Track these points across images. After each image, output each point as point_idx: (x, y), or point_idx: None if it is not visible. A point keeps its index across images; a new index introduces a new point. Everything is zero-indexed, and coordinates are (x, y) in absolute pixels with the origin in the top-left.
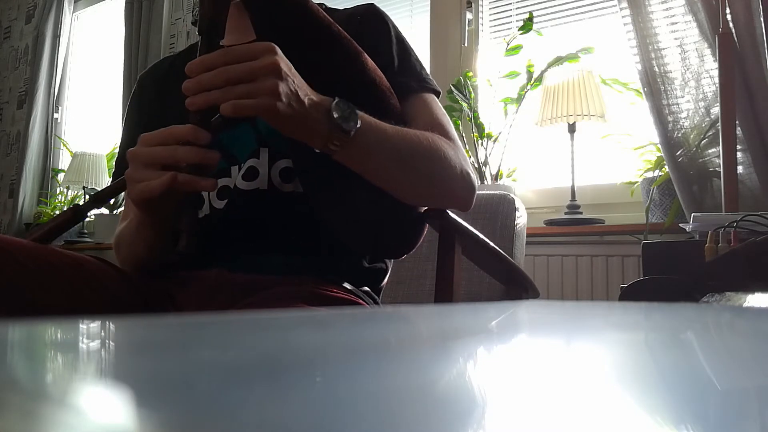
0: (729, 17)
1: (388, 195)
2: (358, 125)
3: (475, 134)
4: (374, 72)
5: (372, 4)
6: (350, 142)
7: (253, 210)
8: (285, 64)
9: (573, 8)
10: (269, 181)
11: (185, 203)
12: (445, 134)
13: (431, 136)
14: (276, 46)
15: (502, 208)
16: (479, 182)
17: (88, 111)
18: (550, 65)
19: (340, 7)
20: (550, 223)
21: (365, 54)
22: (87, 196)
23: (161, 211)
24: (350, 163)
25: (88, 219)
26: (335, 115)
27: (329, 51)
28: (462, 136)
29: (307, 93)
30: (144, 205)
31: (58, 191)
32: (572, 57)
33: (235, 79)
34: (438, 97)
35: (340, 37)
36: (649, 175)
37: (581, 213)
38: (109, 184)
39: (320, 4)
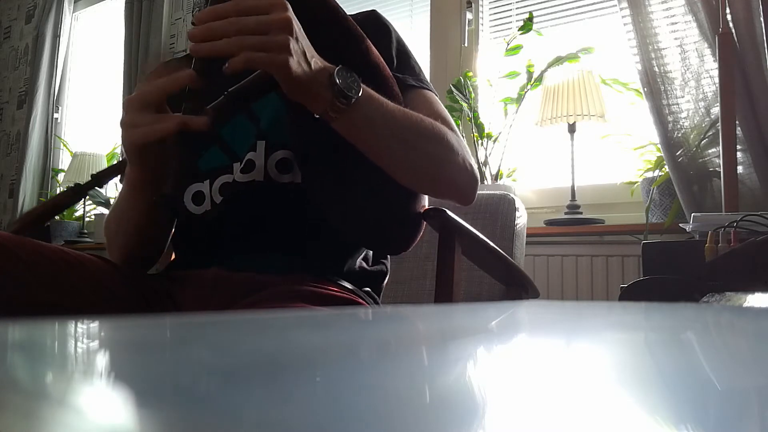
0: (729, 17)
1: (388, 187)
2: (360, 94)
3: (475, 134)
4: (378, 58)
5: (374, 11)
6: (350, 110)
7: (249, 202)
8: (296, 22)
9: (573, 8)
10: (266, 173)
11: (175, 147)
12: (447, 126)
13: (434, 121)
14: (287, 3)
15: (502, 208)
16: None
17: (88, 111)
18: (550, 65)
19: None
20: (550, 223)
21: (369, 41)
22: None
23: (154, 158)
24: (349, 133)
25: (88, 219)
26: (338, 81)
27: (335, 31)
28: (462, 136)
29: (313, 54)
30: (138, 151)
31: (58, 191)
32: (572, 57)
33: (246, 30)
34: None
35: (346, 20)
36: (649, 175)
37: (581, 213)
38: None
39: None
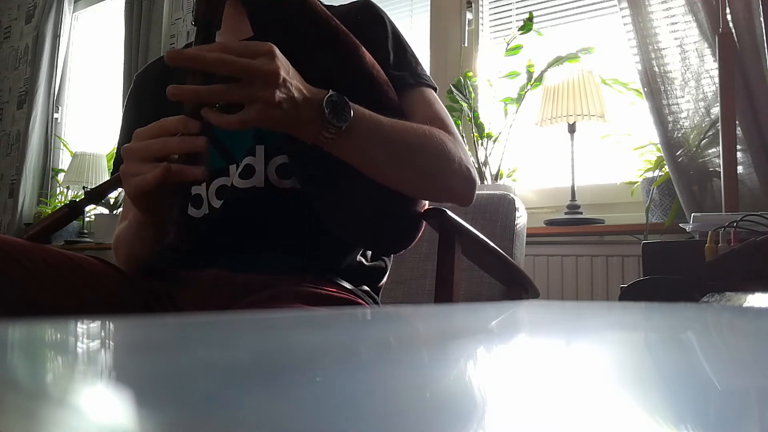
0: (729, 17)
1: (386, 190)
2: (351, 118)
3: (475, 134)
4: (372, 66)
5: (368, 0)
6: (342, 134)
7: (250, 208)
8: (284, 68)
9: (573, 8)
10: (266, 179)
11: (175, 196)
12: (445, 128)
13: (430, 129)
14: (275, 48)
15: (502, 208)
16: (479, 182)
17: (88, 111)
18: (550, 65)
19: (336, 3)
20: (550, 223)
21: (363, 48)
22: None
23: (157, 205)
24: (343, 155)
25: (88, 219)
26: (326, 111)
27: (327, 45)
28: (462, 136)
29: (301, 90)
30: (139, 199)
31: (58, 191)
32: (572, 57)
33: (230, 71)
34: (435, 93)
35: (338, 31)
36: (649, 175)
37: (581, 213)
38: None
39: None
